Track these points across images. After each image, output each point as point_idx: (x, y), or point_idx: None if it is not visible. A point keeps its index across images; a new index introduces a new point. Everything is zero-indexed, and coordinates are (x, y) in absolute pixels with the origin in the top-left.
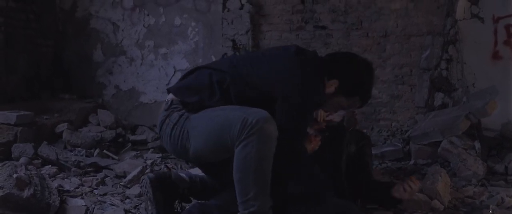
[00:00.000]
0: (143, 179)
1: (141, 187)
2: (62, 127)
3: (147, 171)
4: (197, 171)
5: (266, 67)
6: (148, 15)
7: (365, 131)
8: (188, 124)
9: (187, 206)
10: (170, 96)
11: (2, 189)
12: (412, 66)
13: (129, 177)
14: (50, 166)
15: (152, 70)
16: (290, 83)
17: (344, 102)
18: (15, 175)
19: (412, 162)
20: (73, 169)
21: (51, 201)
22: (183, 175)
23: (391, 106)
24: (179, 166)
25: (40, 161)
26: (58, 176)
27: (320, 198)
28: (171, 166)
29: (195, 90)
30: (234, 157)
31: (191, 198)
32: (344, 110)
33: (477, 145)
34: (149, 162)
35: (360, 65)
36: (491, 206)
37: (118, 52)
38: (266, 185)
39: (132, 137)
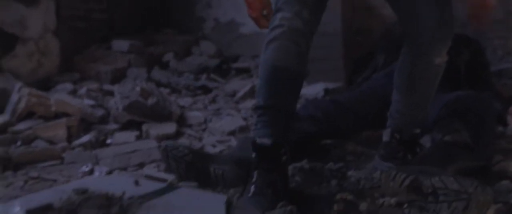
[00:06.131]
0: None
1: None
2: (168, 56)
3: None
4: None
5: None
6: None
7: None
8: None
9: None
10: None
11: (128, 98)
12: None
13: (240, 94)
14: (163, 88)
15: None
16: None
17: None
18: (138, 87)
19: None
20: (184, 91)
21: (172, 110)
22: None
23: (507, 23)
24: None
25: (153, 84)
26: (171, 96)
27: None
28: None
29: None
30: None
31: None
32: None
33: None
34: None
35: None
36: None
37: None
38: None
39: (235, 65)
